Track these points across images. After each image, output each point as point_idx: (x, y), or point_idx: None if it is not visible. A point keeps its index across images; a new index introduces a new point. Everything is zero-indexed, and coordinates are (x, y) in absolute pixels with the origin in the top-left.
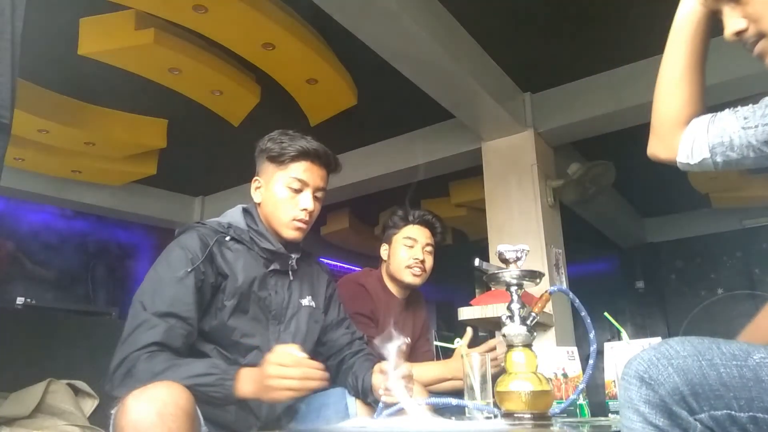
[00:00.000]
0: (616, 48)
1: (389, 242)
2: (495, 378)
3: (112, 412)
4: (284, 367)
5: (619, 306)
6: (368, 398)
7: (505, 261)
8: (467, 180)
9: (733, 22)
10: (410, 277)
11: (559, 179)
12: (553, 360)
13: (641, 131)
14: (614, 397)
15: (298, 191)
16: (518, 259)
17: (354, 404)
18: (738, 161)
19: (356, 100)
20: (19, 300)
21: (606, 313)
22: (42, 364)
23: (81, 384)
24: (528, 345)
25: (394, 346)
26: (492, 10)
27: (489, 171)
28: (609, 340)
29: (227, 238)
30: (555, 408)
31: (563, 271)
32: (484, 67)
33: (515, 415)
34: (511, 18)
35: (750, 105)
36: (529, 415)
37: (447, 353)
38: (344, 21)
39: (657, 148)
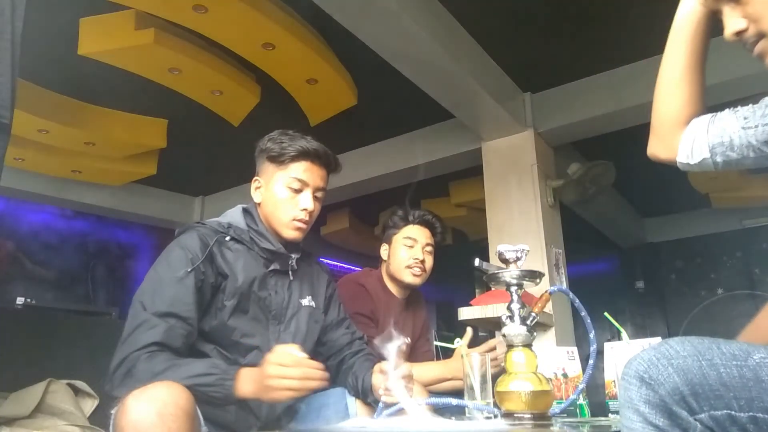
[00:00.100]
0: (616, 48)
1: (389, 242)
2: (495, 378)
3: (112, 412)
4: (284, 367)
5: (619, 306)
6: (368, 398)
7: (505, 261)
8: (467, 180)
9: (733, 22)
10: (410, 277)
11: (559, 179)
12: (553, 360)
13: (641, 131)
14: (614, 397)
15: (298, 191)
16: (518, 259)
17: (354, 404)
18: (738, 161)
19: (356, 100)
20: (19, 300)
21: (606, 313)
22: (42, 364)
23: (81, 384)
24: (528, 345)
25: (394, 346)
26: (492, 10)
27: (489, 171)
28: (609, 340)
29: (227, 238)
30: (555, 408)
31: (563, 271)
32: (484, 67)
33: (515, 415)
34: (511, 18)
35: (750, 105)
36: (529, 415)
37: (447, 353)
38: (344, 21)
39: (657, 148)
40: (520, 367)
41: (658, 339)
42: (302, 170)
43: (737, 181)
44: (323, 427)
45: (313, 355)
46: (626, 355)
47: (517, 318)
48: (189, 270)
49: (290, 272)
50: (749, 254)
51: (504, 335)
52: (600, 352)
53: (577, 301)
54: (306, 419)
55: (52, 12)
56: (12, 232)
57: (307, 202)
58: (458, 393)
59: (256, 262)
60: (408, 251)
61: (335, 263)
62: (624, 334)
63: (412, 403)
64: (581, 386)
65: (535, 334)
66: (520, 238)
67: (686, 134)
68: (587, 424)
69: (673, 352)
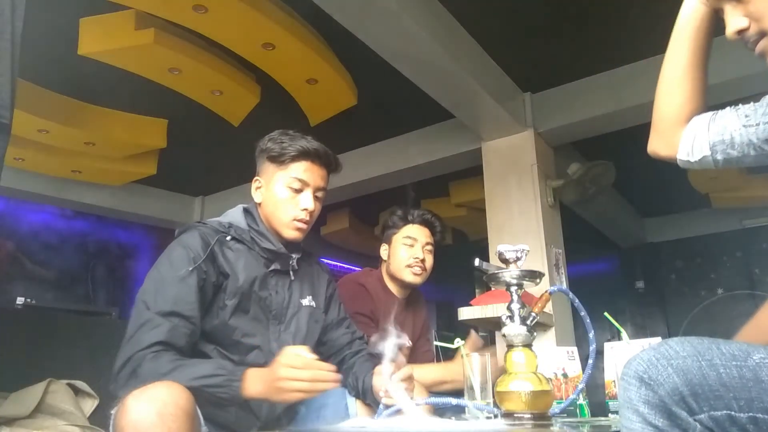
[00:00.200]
0: (616, 48)
1: (389, 242)
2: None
3: (112, 412)
4: (295, 369)
5: (619, 306)
6: (368, 399)
7: (505, 261)
8: (467, 180)
9: (734, 20)
10: (411, 276)
11: (559, 179)
12: (553, 360)
13: (641, 131)
14: (614, 397)
15: (298, 191)
16: (518, 259)
17: (354, 404)
18: (738, 159)
19: (356, 100)
20: (19, 300)
21: (606, 313)
22: (42, 364)
23: (81, 384)
24: (528, 345)
25: (395, 345)
26: (492, 10)
27: (489, 171)
28: (609, 340)
29: (228, 238)
30: (555, 408)
31: (563, 271)
32: (484, 67)
33: (515, 415)
34: (511, 18)
35: (751, 103)
36: (529, 415)
37: (447, 353)
38: (344, 21)
39: (657, 145)
40: (520, 367)
41: (658, 339)
42: (303, 170)
43: (737, 181)
44: (323, 427)
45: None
46: (626, 355)
47: (517, 318)
48: (191, 269)
49: (291, 272)
50: (749, 254)
51: (504, 335)
52: (600, 352)
53: (577, 301)
54: (306, 419)
55: (52, 12)
56: (12, 232)
57: (307, 201)
58: (458, 394)
59: (256, 262)
60: (408, 250)
61: (335, 263)
62: (624, 334)
63: (412, 406)
64: (581, 386)
65: (535, 334)
66: (520, 238)
67: (687, 132)
68: (587, 424)
69: (672, 352)
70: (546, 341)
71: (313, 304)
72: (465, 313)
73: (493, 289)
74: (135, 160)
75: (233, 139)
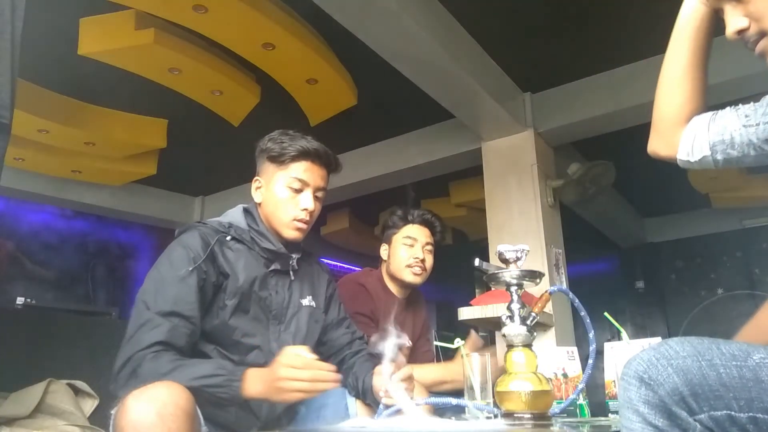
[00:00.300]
0: (616, 48)
1: (389, 242)
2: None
3: (112, 412)
4: (295, 369)
5: (619, 306)
6: (368, 399)
7: (505, 261)
8: (467, 180)
9: (734, 20)
10: (411, 276)
11: (559, 179)
12: (553, 360)
13: (641, 131)
14: (614, 397)
15: (298, 191)
16: (518, 259)
17: (354, 404)
18: (738, 159)
19: (356, 100)
20: (19, 300)
21: (606, 313)
22: (42, 364)
23: (81, 384)
24: (528, 345)
25: (395, 345)
26: (492, 10)
27: (489, 171)
28: (609, 340)
29: (228, 238)
30: (555, 408)
31: (563, 271)
32: (484, 67)
33: (515, 415)
34: (511, 18)
35: (751, 103)
36: (529, 415)
37: (447, 353)
38: (344, 21)
39: (657, 145)
40: (520, 367)
41: (658, 339)
42: (303, 170)
43: (737, 181)
44: (323, 427)
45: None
46: (626, 355)
47: (517, 318)
48: (191, 269)
49: (291, 272)
50: (749, 254)
51: (504, 335)
52: (600, 352)
53: (577, 301)
54: (306, 419)
55: (52, 12)
56: (12, 232)
57: (307, 201)
58: (458, 394)
59: (256, 262)
60: (408, 250)
61: (335, 263)
62: (624, 334)
63: (413, 407)
64: (580, 386)
65: (535, 334)
66: (520, 238)
67: (687, 132)
68: (587, 424)
69: (672, 352)
70: (546, 341)
71: (313, 304)
72: (465, 313)
73: (493, 289)
74: (135, 160)
75: (233, 139)
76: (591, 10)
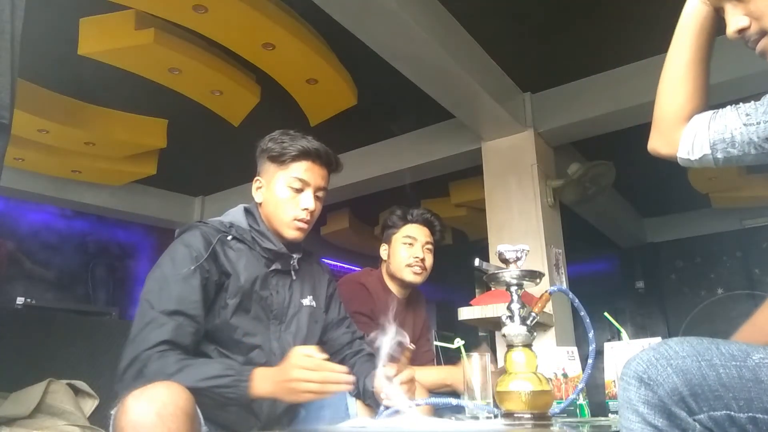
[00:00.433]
0: (616, 48)
1: (389, 242)
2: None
3: (112, 412)
4: (308, 371)
5: (619, 306)
6: (368, 400)
7: (505, 261)
8: (467, 180)
9: (735, 19)
10: (411, 276)
11: (559, 179)
12: (553, 360)
13: (641, 131)
14: (614, 397)
15: (299, 191)
16: (518, 259)
17: (354, 404)
18: (739, 158)
19: (356, 100)
20: (19, 300)
21: (606, 313)
22: (42, 364)
23: (81, 384)
24: (528, 345)
25: (395, 345)
26: (492, 10)
27: (489, 171)
28: (609, 340)
29: (229, 238)
30: (555, 408)
31: (563, 271)
32: (484, 67)
33: (515, 415)
34: (511, 18)
35: (752, 102)
36: (529, 415)
37: (447, 353)
38: (344, 21)
39: (658, 143)
40: (520, 367)
41: (658, 339)
42: (303, 170)
43: (737, 181)
44: (323, 427)
45: None
46: (626, 355)
47: (517, 318)
48: (193, 267)
49: (292, 272)
50: (749, 254)
51: (504, 335)
52: (600, 352)
53: (577, 301)
54: (306, 419)
55: (52, 12)
56: (12, 232)
57: (308, 201)
58: (459, 395)
59: (257, 262)
60: (408, 250)
61: (335, 263)
62: (624, 334)
63: (413, 409)
64: (580, 386)
65: (535, 334)
66: (520, 238)
67: (687, 130)
68: (587, 424)
69: (672, 352)
70: (546, 341)
71: (313, 304)
72: (465, 313)
73: (493, 289)
74: (135, 160)
75: (233, 139)
76: (591, 11)
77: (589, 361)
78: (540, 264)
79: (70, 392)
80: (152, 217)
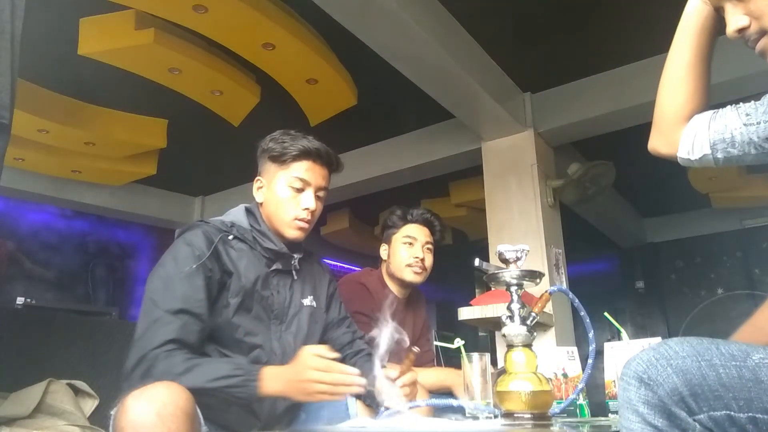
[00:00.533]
0: (616, 48)
1: (389, 242)
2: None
3: (112, 412)
4: (322, 372)
5: (619, 306)
6: (368, 400)
7: (505, 261)
8: (467, 180)
9: (735, 19)
10: (411, 276)
11: (559, 179)
12: (553, 360)
13: (641, 131)
14: (614, 397)
15: (300, 191)
16: (518, 259)
17: (354, 405)
18: (739, 158)
19: (356, 100)
20: (19, 300)
21: (606, 313)
22: (42, 364)
23: (81, 384)
24: (528, 345)
25: (396, 345)
26: (492, 10)
27: (489, 171)
28: (609, 340)
29: (230, 237)
30: (555, 408)
31: (563, 271)
32: (484, 67)
33: (515, 415)
34: (511, 18)
35: (752, 102)
36: (529, 415)
37: (447, 353)
38: (344, 21)
39: (658, 142)
40: (520, 367)
41: (658, 339)
42: (304, 170)
43: (737, 181)
44: (323, 427)
45: None
46: (626, 355)
47: (517, 318)
48: (196, 266)
49: (293, 272)
50: (749, 254)
51: (504, 335)
52: (600, 352)
53: (577, 301)
54: (306, 419)
55: (52, 12)
56: (12, 232)
57: (309, 201)
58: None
59: (258, 262)
60: (408, 250)
61: (335, 263)
62: (624, 334)
63: (413, 412)
64: (581, 386)
65: (535, 334)
66: (520, 238)
67: (688, 130)
68: (587, 424)
69: (672, 352)
70: (546, 341)
71: (314, 304)
72: (465, 313)
73: (493, 289)
74: (135, 160)
75: (233, 139)
76: (591, 11)
77: (589, 361)
78: (540, 264)
79: (70, 392)
80: (152, 217)
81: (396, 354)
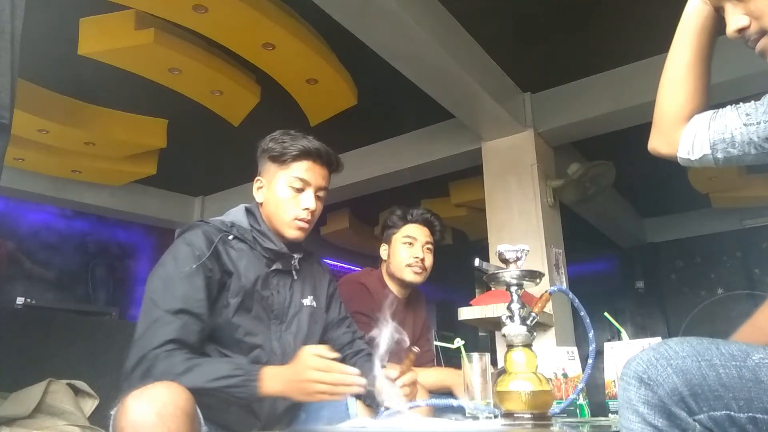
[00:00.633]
0: (616, 48)
1: (389, 242)
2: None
3: (112, 412)
4: (323, 373)
5: (619, 306)
6: (368, 401)
7: (505, 261)
8: (467, 180)
9: (735, 19)
10: (411, 276)
11: (559, 179)
12: (553, 360)
13: (641, 131)
14: (614, 397)
15: (300, 191)
16: (518, 259)
17: (354, 405)
18: (739, 158)
19: (356, 100)
20: (19, 300)
21: (606, 313)
22: (42, 364)
23: (81, 384)
24: (528, 345)
25: (396, 345)
26: (492, 10)
27: (489, 171)
28: (609, 340)
29: (230, 237)
30: (555, 408)
31: (563, 271)
32: (484, 67)
33: (515, 415)
34: (511, 18)
35: (752, 102)
36: (529, 415)
37: (447, 353)
38: (344, 21)
39: (658, 142)
40: (520, 367)
41: (658, 339)
42: (304, 170)
43: (737, 181)
44: (323, 427)
45: None
46: (626, 355)
47: (517, 318)
48: (196, 266)
49: (293, 272)
50: (749, 254)
51: (504, 335)
52: (600, 352)
53: (577, 301)
54: (306, 419)
55: (52, 12)
56: (12, 232)
57: (309, 201)
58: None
59: (258, 262)
60: (408, 250)
61: (335, 263)
62: (624, 334)
63: (413, 412)
64: (580, 386)
65: (535, 334)
66: (520, 238)
67: (688, 130)
68: (587, 424)
69: (672, 352)
70: (546, 341)
71: (314, 304)
72: (465, 313)
73: (493, 289)
74: (135, 160)
75: (233, 139)
76: (591, 11)
77: (589, 361)
78: (540, 264)
79: (70, 392)
80: (152, 217)
81: (396, 354)
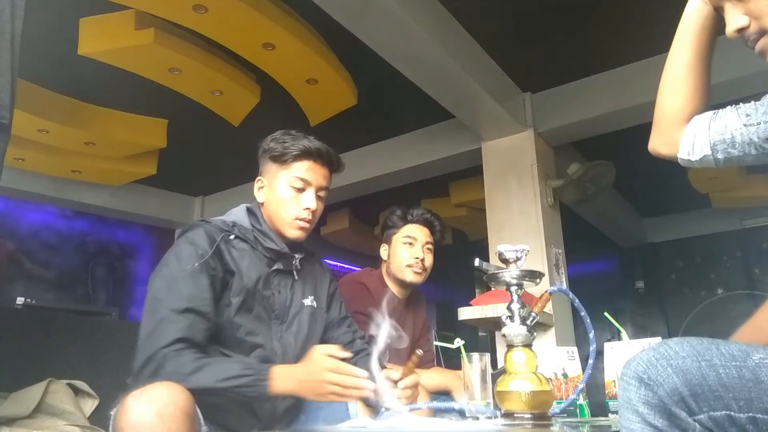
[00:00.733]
0: (616, 48)
1: (389, 242)
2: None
3: (112, 412)
4: (337, 375)
5: (619, 306)
6: (368, 401)
7: (505, 261)
8: (467, 180)
9: (734, 19)
10: (411, 276)
11: (559, 179)
12: (553, 360)
13: (641, 131)
14: (614, 397)
15: (300, 190)
16: (518, 259)
17: (354, 405)
18: (739, 158)
19: (356, 100)
20: (19, 300)
21: (606, 313)
22: (42, 364)
23: (81, 384)
24: (528, 345)
25: (396, 345)
26: (492, 10)
27: (489, 171)
28: (609, 340)
29: (232, 237)
30: (555, 408)
31: (563, 271)
32: (484, 67)
33: (515, 415)
34: (511, 18)
35: (752, 102)
36: (529, 415)
37: (447, 353)
38: (344, 21)
39: (658, 143)
40: (520, 367)
41: (658, 339)
42: (305, 169)
43: (737, 181)
44: (323, 427)
45: None
46: (626, 355)
47: (517, 318)
48: (199, 265)
49: (294, 272)
50: (749, 254)
51: (504, 335)
52: (600, 352)
53: (577, 301)
54: (306, 419)
55: (52, 12)
56: (12, 232)
57: (309, 201)
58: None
59: (260, 262)
60: (408, 250)
61: (335, 263)
62: (624, 334)
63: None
64: (580, 386)
65: (535, 334)
66: (520, 238)
67: (688, 130)
68: (587, 424)
69: (672, 352)
70: (546, 341)
71: (314, 304)
72: (465, 313)
73: (493, 289)
74: (135, 160)
75: (233, 139)
76: (591, 11)
77: (590, 361)
78: (540, 264)
79: (70, 392)
80: (152, 217)
81: (398, 355)
